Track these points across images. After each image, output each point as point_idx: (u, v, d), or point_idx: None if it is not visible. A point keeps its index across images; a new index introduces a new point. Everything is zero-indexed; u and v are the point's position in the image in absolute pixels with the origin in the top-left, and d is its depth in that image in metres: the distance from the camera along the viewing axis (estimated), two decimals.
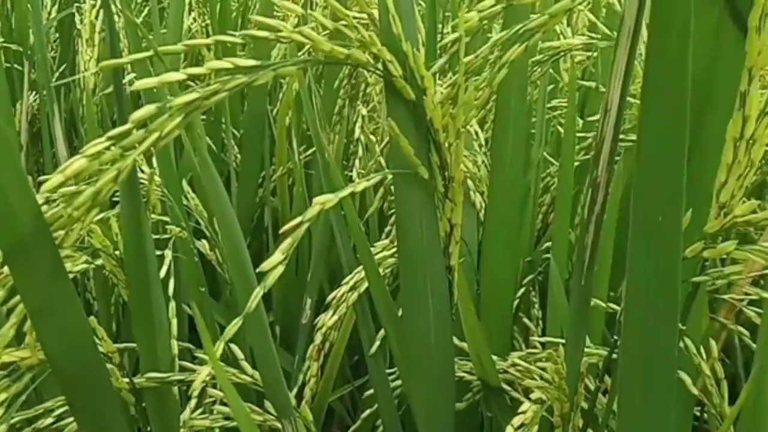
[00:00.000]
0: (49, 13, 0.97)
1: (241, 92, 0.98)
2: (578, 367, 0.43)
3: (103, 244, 0.43)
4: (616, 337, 0.48)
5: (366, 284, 0.55)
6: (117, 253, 0.44)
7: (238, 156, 0.90)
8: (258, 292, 0.33)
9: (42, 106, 0.72)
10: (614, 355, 0.48)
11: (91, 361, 0.37)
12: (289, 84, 0.92)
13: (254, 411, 0.46)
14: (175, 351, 0.47)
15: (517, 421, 0.37)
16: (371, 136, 0.71)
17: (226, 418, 0.49)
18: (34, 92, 0.94)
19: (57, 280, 0.34)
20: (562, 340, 0.53)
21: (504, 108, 0.51)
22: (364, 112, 0.70)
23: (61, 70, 0.96)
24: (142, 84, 0.30)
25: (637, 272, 0.33)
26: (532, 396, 0.39)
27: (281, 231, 0.33)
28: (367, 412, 0.60)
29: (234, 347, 0.47)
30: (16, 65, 0.94)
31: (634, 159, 0.32)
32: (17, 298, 0.36)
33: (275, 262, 0.33)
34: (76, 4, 0.82)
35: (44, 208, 0.33)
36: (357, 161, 0.68)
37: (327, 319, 0.54)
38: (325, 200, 0.34)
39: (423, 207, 0.40)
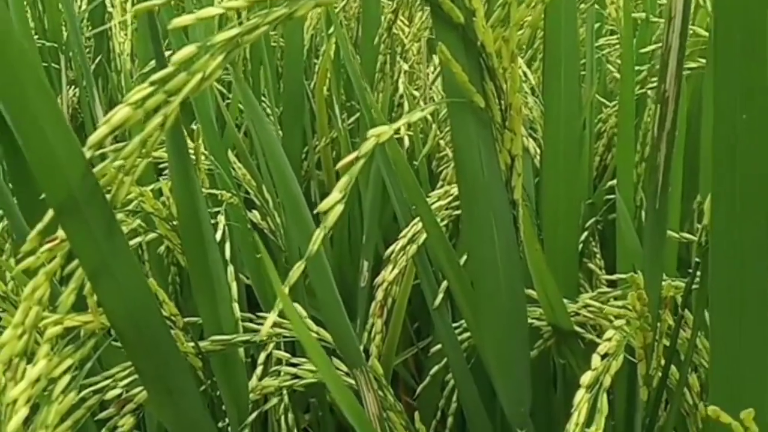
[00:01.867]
0: (80, 7, 0.97)
1: (277, 70, 0.97)
2: (659, 295, 0.40)
3: (155, 207, 0.42)
4: (690, 270, 0.46)
5: (424, 236, 0.53)
6: (171, 222, 0.43)
7: (280, 133, 0.89)
8: (319, 233, 0.31)
9: (82, 95, 0.71)
10: (694, 287, 0.46)
11: (154, 323, 0.37)
12: (325, 53, 0.91)
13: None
14: (238, 315, 0.46)
15: (602, 349, 0.35)
16: (415, 92, 0.69)
17: (295, 377, 0.48)
18: (73, 87, 0.94)
19: (112, 239, 0.33)
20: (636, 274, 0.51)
21: (554, 44, 0.48)
22: (405, 67, 0.68)
23: (96, 61, 0.96)
24: (179, 21, 0.29)
25: (722, 192, 0.30)
26: (615, 323, 0.37)
27: (337, 167, 0.31)
28: (435, 368, 0.59)
29: (297, 306, 0.46)
30: (53, 64, 0.94)
31: (710, 56, 0.29)
32: (75, 263, 0.35)
33: (334, 200, 0.31)
34: None
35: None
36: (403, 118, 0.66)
37: (387, 274, 0.53)
38: (380, 132, 0.32)
39: (481, 138, 0.38)
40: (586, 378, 0.33)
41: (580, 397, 0.33)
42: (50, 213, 0.31)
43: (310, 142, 0.88)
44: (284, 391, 0.54)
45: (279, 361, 0.49)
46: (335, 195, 0.32)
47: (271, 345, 0.54)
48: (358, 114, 0.86)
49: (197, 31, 0.55)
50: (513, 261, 0.41)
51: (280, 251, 0.66)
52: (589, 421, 0.33)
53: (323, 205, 0.32)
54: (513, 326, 0.43)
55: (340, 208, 0.32)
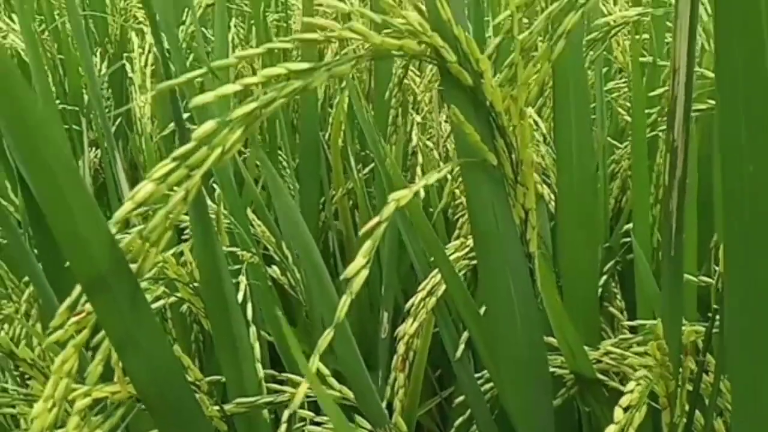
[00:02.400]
0: (99, 70, 1.00)
1: (292, 123, 0.99)
2: (679, 342, 0.40)
3: (178, 273, 0.43)
4: (710, 313, 0.46)
5: (443, 287, 0.54)
6: (193, 284, 0.44)
7: (297, 185, 0.90)
8: (346, 300, 0.32)
9: (103, 156, 0.73)
10: (714, 330, 0.46)
11: (180, 390, 0.37)
12: (338, 105, 0.93)
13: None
14: (261, 375, 0.47)
15: (624, 401, 0.35)
16: (428, 142, 0.70)
17: None
18: (94, 148, 0.96)
19: (139, 311, 0.34)
20: (656, 321, 0.51)
21: (563, 91, 0.49)
22: (418, 119, 0.69)
23: (116, 123, 0.99)
24: (200, 100, 0.30)
25: (734, 233, 0.31)
26: (636, 374, 0.37)
27: (360, 232, 0.32)
28: (459, 420, 0.59)
29: (320, 364, 0.46)
30: (74, 126, 0.97)
31: (716, 107, 0.30)
32: (101, 334, 0.36)
33: (359, 266, 0.32)
34: (125, 54, 0.84)
35: (117, 238, 0.33)
36: (418, 168, 0.67)
37: (408, 327, 0.53)
38: (400, 196, 0.33)
39: (494, 195, 0.38)
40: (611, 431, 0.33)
41: None
42: (78, 288, 0.32)
43: (327, 192, 0.89)
44: None
45: (302, 419, 0.49)
46: (359, 261, 0.32)
47: (295, 404, 0.54)
48: (372, 164, 0.87)
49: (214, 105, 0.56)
50: (531, 312, 0.41)
51: (300, 306, 0.66)
52: None
53: (349, 271, 0.32)
54: (533, 376, 0.43)
55: (365, 273, 0.32)
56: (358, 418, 0.45)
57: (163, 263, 0.43)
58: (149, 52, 0.73)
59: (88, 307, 0.34)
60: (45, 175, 0.31)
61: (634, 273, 0.58)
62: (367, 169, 0.88)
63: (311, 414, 0.50)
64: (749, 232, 0.29)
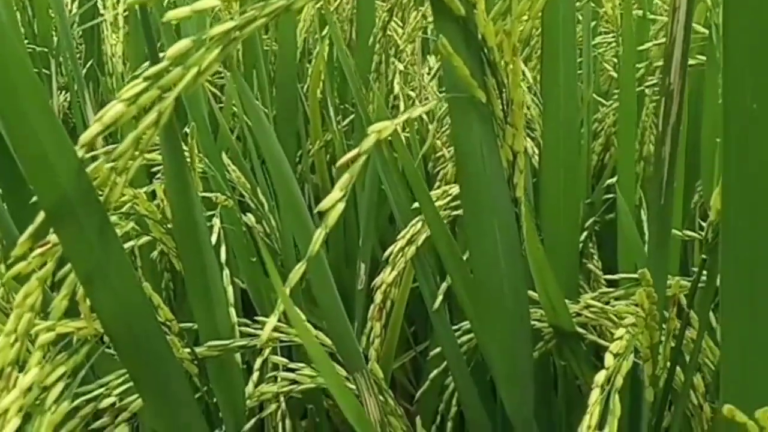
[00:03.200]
0: (70, 10, 0.96)
1: (269, 74, 0.96)
2: (664, 293, 0.39)
3: (149, 209, 0.41)
4: (695, 268, 0.45)
5: (423, 237, 0.52)
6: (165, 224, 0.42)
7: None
8: (320, 234, 0.30)
9: (73, 100, 0.70)
10: (699, 285, 0.45)
11: (149, 328, 0.36)
12: (318, 55, 0.90)
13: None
14: (234, 319, 0.45)
15: (615, 348, 0.34)
16: (410, 92, 0.68)
17: (293, 383, 0.47)
18: (63, 92, 0.93)
19: (107, 242, 0.32)
20: (636, 275, 0.50)
21: (552, 41, 0.47)
22: (400, 67, 0.67)
23: (87, 66, 0.95)
24: (174, 14, 0.28)
25: (734, 176, 0.29)
26: (625, 321, 0.36)
27: (337, 164, 0.31)
28: (435, 372, 0.58)
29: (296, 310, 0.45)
30: (43, 69, 0.93)
31: (722, 45, 0.28)
32: (67, 267, 0.34)
33: (334, 199, 0.31)
34: None
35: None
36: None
37: (386, 276, 0.52)
38: (381, 127, 0.31)
39: (483, 134, 0.37)
40: (600, 377, 0.32)
41: (594, 398, 0.32)
42: (41, 215, 0.30)
43: (304, 145, 0.87)
44: (281, 398, 0.53)
45: (275, 367, 0.48)
46: (336, 194, 0.31)
47: (268, 350, 0.53)
48: (352, 116, 0.85)
49: (190, 28, 0.53)
50: (515, 260, 0.40)
51: (275, 255, 0.65)
52: (601, 423, 0.32)
53: (324, 204, 0.31)
54: (516, 326, 0.42)
55: (341, 206, 0.31)
56: (334, 365, 0.43)
57: (134, 199, 0.41)
58: None
59: (53, 238, 0.33)
60: (9, 95, 0.28)
61: (615, 230, 0.57)
62: (346, 121, 0.86)
63: (285, 360, 0.49)
64: (751, 173, 0.28)
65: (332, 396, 0.72)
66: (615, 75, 0.70)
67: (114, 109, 0.29)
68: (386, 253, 0.52)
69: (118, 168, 0.30)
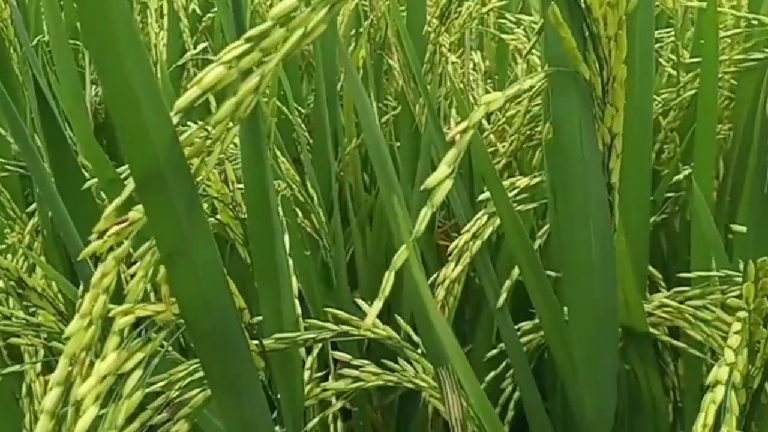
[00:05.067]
0: None
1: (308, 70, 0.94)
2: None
3: (221, 192, 0.39)
4: None
5: (488, 231, 0.50)
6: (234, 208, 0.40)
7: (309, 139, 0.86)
8: (427, 213, 0.28)
9: None
10: None
11: (229, 314, 0.33)
12: (356, 50, 0.88)
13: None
14: (299, 311, 0.43)
15: (733, 342, 0.32)
16: (460, 84, 0.66)
17: (357, 381, 0.45)
18: (95, 86, 0.91)
19: (193, 218, 0.30)
20: (717, 273, 0.48)
21: (630, 23, 0.45)
22: (453, 58, 0.65)
23: None
24: None
25: None
26: (739, 314, 0.34)
27: (448, 138, 0.28)
28: (492, 374, 0.56)
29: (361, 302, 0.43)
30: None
31: None
32: (144, 248, 0.32)
33: (442, 175, 0.28)
34: None
35: None
36: (453, 110, 0.63)
37: (450, 271, 0.49)
38: (491, 99, 0.29)
39: (582, 114, 0.35)
40: (723, 374, 0.30)
41: (711, 397, 0.30)
42: (130, 186, 0.28)
43: (342, 143, 0.85)
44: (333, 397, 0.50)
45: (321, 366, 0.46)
46: (443, 169, 0.29)
47: (317, 348, 0.50)
48: (395, 111, 0.83)
49: None
50: (607, 251, 0.38)
51: (322, 250, 0.63)
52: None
53: (431, 180, 0.28)
54: (605, 323, 0.40)
55: (449, 183, 0.29)
56: (421, 359, 0.41)
57: (207, 180, 0.39)
58: None
59: (132, 215, 0.30)
60: (113, 57, 0.26)
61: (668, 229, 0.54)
62: (386, 117, 0.84)
63: (347, 356, 0.47)
64: None
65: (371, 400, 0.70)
66: (672, 72, 0.68)
67: (213, 71, 0.26)
68: (451, 247, 0.50)
69: (213, 136, 0.27)
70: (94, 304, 0.30)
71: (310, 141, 0.83)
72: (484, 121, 0.65)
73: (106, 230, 0.31)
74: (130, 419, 0.33)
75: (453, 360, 0.29)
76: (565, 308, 0.42)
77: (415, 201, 0.66)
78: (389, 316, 0.59)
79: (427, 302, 0.31)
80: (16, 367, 0.46)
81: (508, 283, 0.51)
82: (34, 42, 0.77)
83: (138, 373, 0.30)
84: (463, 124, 0.29)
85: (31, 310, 0.50)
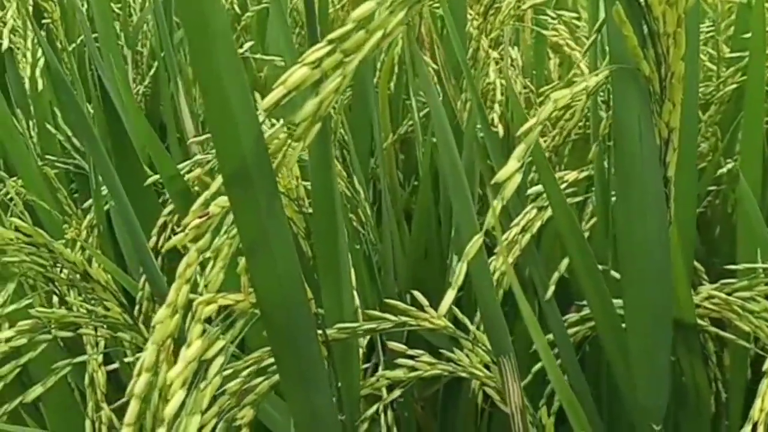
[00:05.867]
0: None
1: None
2: None
3: (288, 186, 0.40)
4: None
5: (537, 224, 0.51)
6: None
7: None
8: (497, 205, 0.29)
9: (163, 87, 0.70)
10: None
11: (301, 304, 0.35)
12: (391, 48, 0.89)
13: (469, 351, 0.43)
14: (357, 302, 0.44)
15: None
16: (499, 82, 0.67)
17: (412, 370, 0.46)
18: (134, 84, 0.92)
19: (274, 211, 0.31)
20: (764, 265, 0.49)
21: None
22: (495, 54, 0.66)
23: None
24: None
25: None
26: None
27: (518, 133, 0.30)
28: (537, 366, 0.57)
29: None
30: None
31: None
32: (221, 240, 0.34)
33: (512, 169, 0.30)
34: None
35: None
36: (496, 106, 0.64)
37: (499, 263, 0.51)
38: (560, 96, 0.30)
39: (641, 110, 0.36)
40: None
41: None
42: (217, 182, 0.30)
43: (379, 139, 0.86)
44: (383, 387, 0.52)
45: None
46: (513, 164, 0.30)
47: (365, 338, 0.52)
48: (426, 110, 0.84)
49: None
50: (664, 243, 0.39)
51: (368, 244, 0.64)
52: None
53: (501, 175, 0.30)
54: (660, 315, 0.40)
55: (518, 178, 0.30)
56: (476, 349, 0.42)
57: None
58: None
59: (213, 209, 0.32)
60: (206, 55, 0.28)
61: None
62: (422, 113, 0.85)
63: (403, 347, 0.48)
64: None
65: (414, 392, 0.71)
66: (711, 66, 0.68)
67: (298, 72, 0.28)
68: (502, 239, 0.51)
69: (295, 135, 0.29)
70: (178, 294, 0.32)
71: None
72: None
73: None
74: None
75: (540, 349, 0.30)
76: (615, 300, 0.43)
77: None
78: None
79: (484, 289, 0.31)
80: (84, 357, 0.48)
81: (556, 275, 0.52)
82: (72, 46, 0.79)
83: (220, 359, 0.32)
84: (533, 120, 0.30)
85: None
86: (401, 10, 0.28)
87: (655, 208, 0.38)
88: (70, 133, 0.76)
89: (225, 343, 0.32)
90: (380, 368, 0.55)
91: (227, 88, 0.28)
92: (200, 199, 0.30)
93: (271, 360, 0.40)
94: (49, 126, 0.76)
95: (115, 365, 0.55)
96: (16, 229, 0.46)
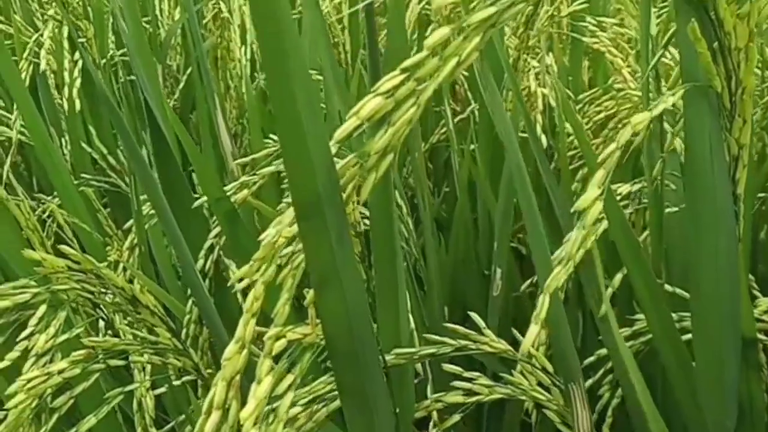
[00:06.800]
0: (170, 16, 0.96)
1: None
2: None
3: (348, 211, 0.39)
4: None
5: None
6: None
7: None
8: (578, 235, 0.28)
9: (201, 105, 0.70)
10: None
11: (367, 333, 0.34)
12: None
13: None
14: (412, 325, 0.44)
15: None
16: (541, 90, 0.66)
17: (467, 394, 0.45)
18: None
19: (343, 243, 0.30)
20: None
21: None
22: (534, 63, 0.65)
23: (188, 72, 0.95)
24: (441, 1, 0.26)
25: None
26: None
27: (599, 159, 0.29)
28: (590, 381, 0.56)
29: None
30: None
31: None
32: (285, 271, 0.33)
33: (592, 197, 0.29)
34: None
35: None
36: (539, 116, 0.63)
37: (552, 281, 0.49)
38: (640, 120, 0.29)
39: (712, 126, 0.35)
40: None
41: None
42: (289, 213, 0.29)
43: (419, 147, 0.85)
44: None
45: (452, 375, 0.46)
46: (593, 191, 0.29)
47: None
48: (461, 115, 0.83)
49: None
50: (733, 259, 0.38)
51: (410, 257, 0.63)
52: None
53: (581, 203, 0.29)
54: (729, 330, 0.39)
55: (599, 205, 0.29)
56: (535, 371, 0.42)
57: None
58: None
59: (280, 241, 0.31)
60: (284, 87, 0.27)
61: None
62: (457, 119, 0.84)
63: (459, 369, 0.47)
64: None
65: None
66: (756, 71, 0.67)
67: (371, 102, 0.27)
68: (555, 255, 0.50)
69: (367, 166, 0.28)
70: (246, 329, 0.31)
71: None
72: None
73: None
74: None
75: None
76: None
77: (501, 202, 0.65)
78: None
79: (555, 315, 0.30)
80: (135, 385, 0.48)
81: (609, 290, 0.51)
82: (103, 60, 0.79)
83: (290, 395, 0.31)
84: (612, 147, 0.29)
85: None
86: (475, 36, 0.27)
87: (726, 224, 0.37)
88: (105, 151, 0.76)
89: (294, 378, 0.32)
90: (429, 388, 0.54)
91: (304, 124, 0.27)
92: (271, 232, 0.29)
93: (327, 388, 0.39)
94: (84, 144, 0.76)
95: (162, 389, 0.54)
96: (64, 256, 0.46)
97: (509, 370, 0.48)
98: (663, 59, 0.65)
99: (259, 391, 0.30)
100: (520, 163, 0.37)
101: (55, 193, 0.70)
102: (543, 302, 0.28)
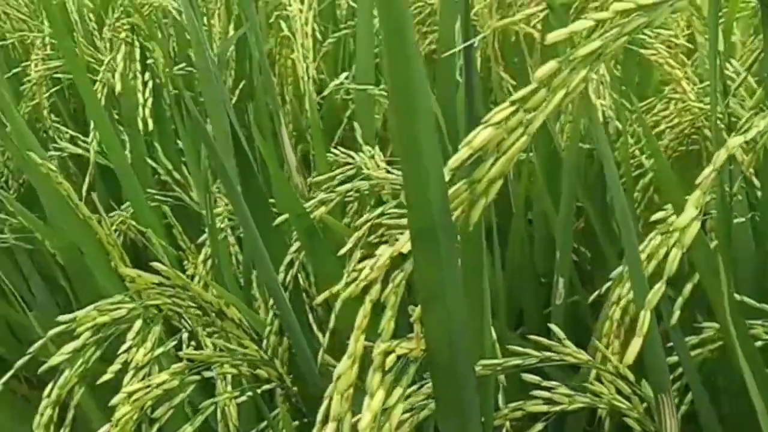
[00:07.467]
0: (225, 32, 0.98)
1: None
2: None
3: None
4: None
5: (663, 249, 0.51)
6: None
7: None
8: (676, 255, 0.30)
9: (262, 116, 0.72)
10: None
11: (465, 347, 0.36)
12: None
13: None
14: (494, 336, 0.45)
15: None
16: (600, 102, 0.67)
17: (546, 402, 0.47)
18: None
19: (452, 265, 0.32)
20: None
21: None
22: (594, 76, 0.66)
23: (240, 86, 0.97)
24: (555, 36, 0.28)
25: None
26: None
27: (698, 180, 0.30)
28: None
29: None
30: None
31: None
32: (388, 288, 0.35)
33: (689, 218, 0.30)
34: None
35: None
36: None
37: (626, 290, 0.51)
38: (734, 144, 0.31)
39: None
40: None
41: None
42: (405, 238, 0.31)
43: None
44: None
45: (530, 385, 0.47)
46: (690, 212, 0.30)
47: None
48: None
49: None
50: None
51: None
52: None
53: (679, 223, 0.30)
54: None
55: (697, 225, 0.30)
56: (644, 383, 0.43)
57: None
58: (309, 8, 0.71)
59: (382, 261, 0.33)
60: (409, 116, 0.29)
61: None
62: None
63: (538, 378, 0.48)
64: None
65: None
66: None
67: (483, 133, 0.29)
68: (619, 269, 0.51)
69: (477, 190, 0.30)
70: (356, 345, 0.33)
71: None
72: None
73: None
74: None
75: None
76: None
77: (562, 214, 0.67)
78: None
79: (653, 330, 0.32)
80: (226, 396, 0.50)
81: (680, 300, 0.52)
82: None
83: (401, 406, 0.33)
84: (709, 169, 0.30)
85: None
86: (582, 68, 0.29)
87: None
88: (170, 167, 0.78)
89: (403, 390, 0.33)
90: (500, 397, 0.55)
91: (425, 156, 0.29)
92: (385, 253, 0.31)
93: (421, 397, 0.41)
94: (149, 160, 0.78)
95: (243, 397, 0.56)
96: (155, 272, 0.48)
97: (567, 378, 0.49)
98: (726, 71, 0.66)
99: (373, 404, 0.32)
100: (624, 204, 0.38)
101: (123, 207, 0.73)
102: (644, 318, 0.29)
